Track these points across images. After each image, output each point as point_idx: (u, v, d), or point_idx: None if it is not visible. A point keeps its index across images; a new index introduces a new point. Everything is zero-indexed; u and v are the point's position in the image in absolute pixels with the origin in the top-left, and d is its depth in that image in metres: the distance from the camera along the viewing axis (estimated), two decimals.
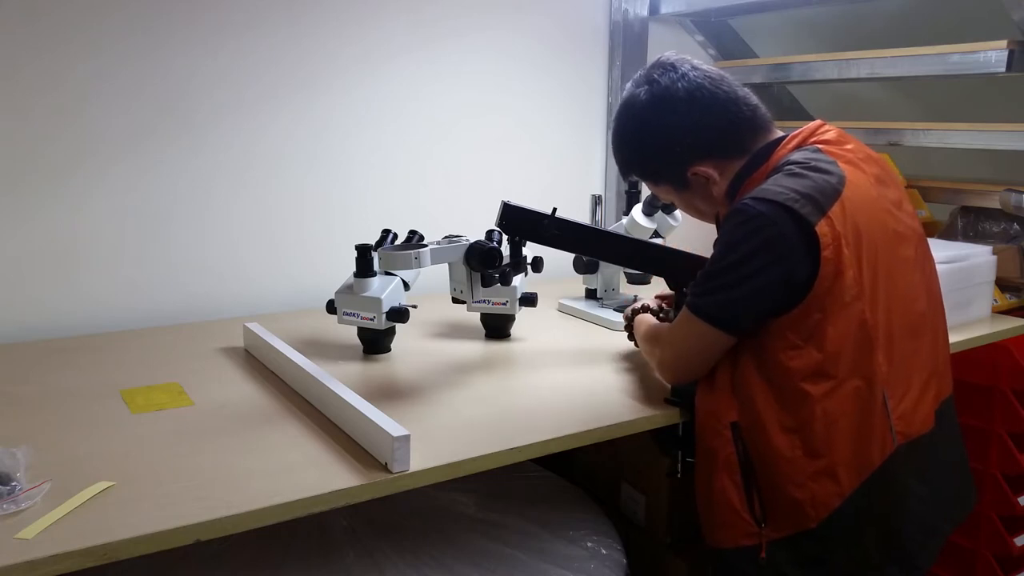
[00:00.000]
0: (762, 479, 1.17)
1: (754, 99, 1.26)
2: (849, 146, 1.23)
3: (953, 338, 1.67)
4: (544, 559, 1.41)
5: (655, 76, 1.25)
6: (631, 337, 1.54)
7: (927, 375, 1.24)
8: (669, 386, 1.34)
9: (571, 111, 2.33)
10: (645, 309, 1.52)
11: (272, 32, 1.85)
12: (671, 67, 1.25)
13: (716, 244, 1.19)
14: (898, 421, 1.17)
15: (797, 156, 1.19)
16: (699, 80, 1.23)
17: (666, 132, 1.25)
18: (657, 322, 1.44)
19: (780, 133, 1.27)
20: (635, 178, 1.38)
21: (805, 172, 1.15)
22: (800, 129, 1.25)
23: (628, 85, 1.30)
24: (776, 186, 1.13)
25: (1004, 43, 1.81)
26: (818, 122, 1.27)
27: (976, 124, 1.98)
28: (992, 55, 1.83)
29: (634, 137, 1.30)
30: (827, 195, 1.12)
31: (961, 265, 1.75)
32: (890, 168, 1.26)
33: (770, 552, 1.17)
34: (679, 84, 1.23)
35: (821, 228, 1.10)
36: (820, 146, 1.21)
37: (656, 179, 1.34)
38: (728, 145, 1.24)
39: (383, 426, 1.08)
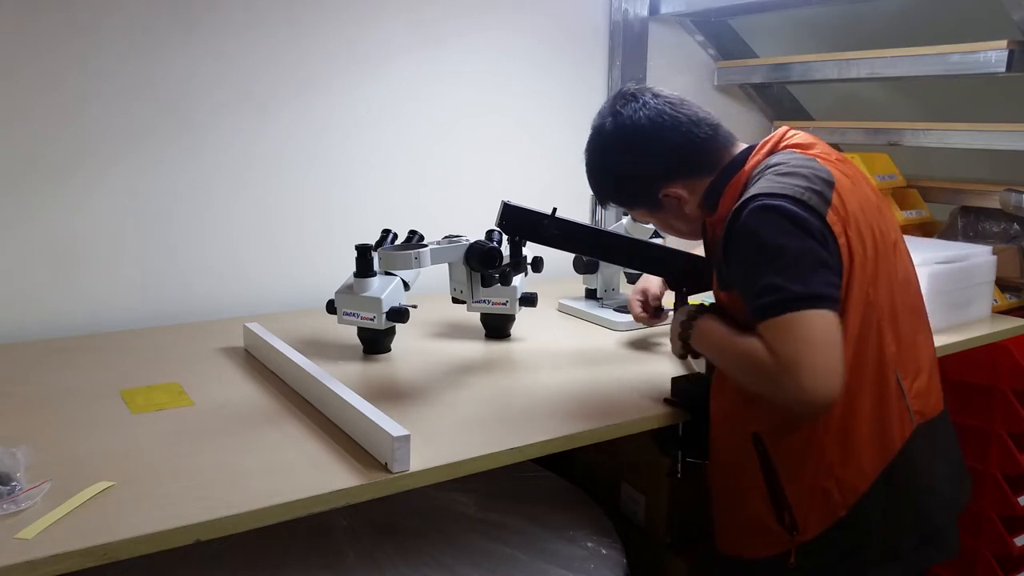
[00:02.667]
0: (788, 480, 1.18)
1: (715, 119, 1.28)
2: (817, 148, 1.25)
3: (953, 338, 1.68)
4: (544, 559, 1.41)
5: (618, 108, 1.29)
6: (684, 350, 1.29)
7: (931, 358, 1.26)
8: (669, 386, 1.34)
9: (571, 111, 2.32)
10: (702, 311, 1.27)
11: (272, 32, 1.85)
12: (632, 97, 1.28)
13: (743, 249, 1.13)
14: (914, 400, 1.19)
15: (777, 159, 1.20)
16: (659, 107, 1.26)
17: (633, 160, 1.28)
18: (728, 330, 1.19)
19: (744, 145, 1.28)
20: (612, 204, 1.40)
21: (795, 170, 1.16)
22: (768, 137, 1.26)
23: (594, 118, 1.34)
24: (776, 184, 1.13)
25: (1004, 43, 1.81)
26: (784, 128, 1.29)
27: (976, 124, 1.99)
28: (992, 55, 1.84)
29: (603, 167, 1.34)
30: (825, 186, 1.14)
31: (961, 265, 1.75)
32: (860, 168, 1.27)
33: (801, 555, 1.18)
34: (641, 113, 1.26)
35: (830, 217, 1.12)
36: (794, 149, 1.23)
37: (631, 204, 1.37)
38: (693, 165, 1.26)
39: (383, 426, 1.08)
